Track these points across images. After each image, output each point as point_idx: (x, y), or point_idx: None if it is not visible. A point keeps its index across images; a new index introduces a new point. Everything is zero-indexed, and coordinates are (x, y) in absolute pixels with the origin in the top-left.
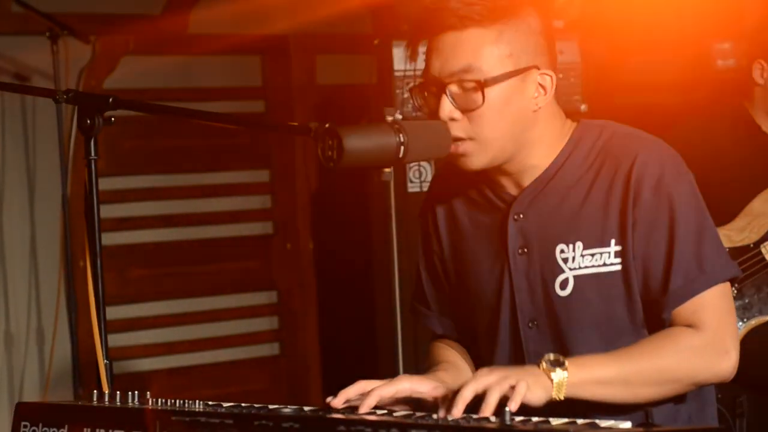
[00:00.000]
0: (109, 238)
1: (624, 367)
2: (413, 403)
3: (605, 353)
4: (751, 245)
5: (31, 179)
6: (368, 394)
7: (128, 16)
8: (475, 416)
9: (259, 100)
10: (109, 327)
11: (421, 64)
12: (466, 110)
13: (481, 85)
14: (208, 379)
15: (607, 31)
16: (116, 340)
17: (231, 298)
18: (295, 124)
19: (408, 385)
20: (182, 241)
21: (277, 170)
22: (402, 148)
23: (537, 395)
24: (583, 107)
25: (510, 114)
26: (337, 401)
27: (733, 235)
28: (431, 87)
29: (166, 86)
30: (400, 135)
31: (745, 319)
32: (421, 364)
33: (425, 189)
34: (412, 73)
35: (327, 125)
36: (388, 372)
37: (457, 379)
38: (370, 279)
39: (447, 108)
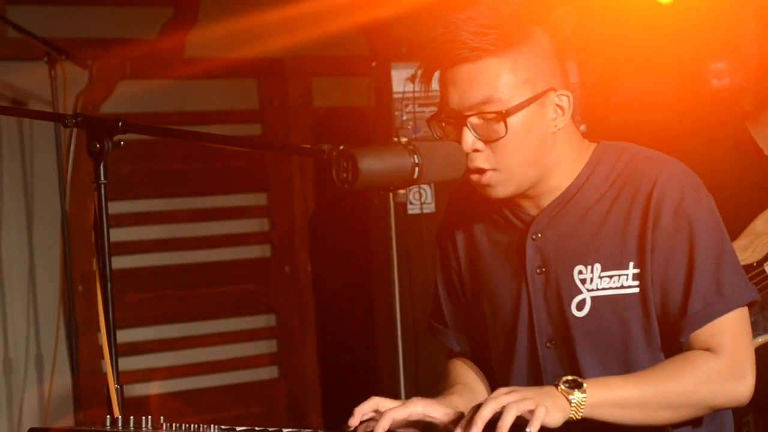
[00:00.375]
0: None
1: (642, 390)
2: (424, 427)
3: (623, 375)
4: (755, 264)
5: (29, 203)
6: (382, 417)
7: (125, 41)
8: None
9: (256, 123)
10: None
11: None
12: (489, 141)
13: (503, 116)
14: (208, 404)
15: (602, 50)
16: None
17: (230, 321)
18: (308, 146)
19: (421, 409)
20: (180, 265)
21: (275, 193)
22: (417, 168)
23: (555, 418)
24: (582, 127)
25: (532, 140)
26: (354, 420)
27: (737, 254)
28: (450, 119)
29: (163, 110)
30: (415, 156)
31: None
32: (423, 385)
33: (425, 211)
34: (410, 95)
35: (341, 147)
36: (389, 393)
37: (471, 403)
38: (369, 301)
39: (469, 140)
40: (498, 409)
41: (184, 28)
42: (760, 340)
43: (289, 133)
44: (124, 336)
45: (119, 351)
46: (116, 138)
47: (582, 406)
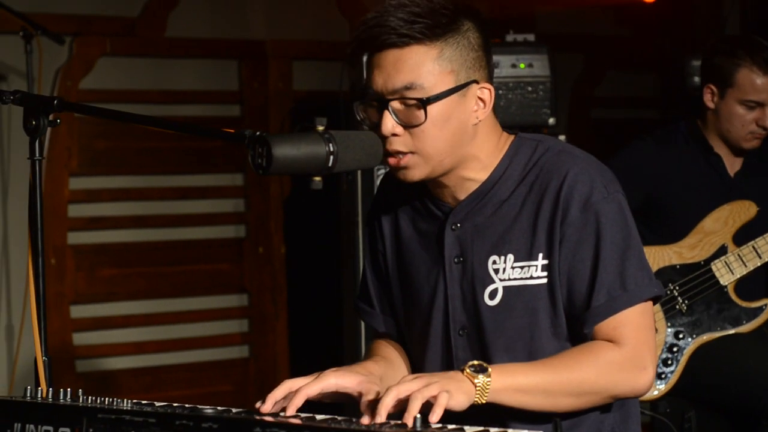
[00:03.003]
0: (81, 237)
1: (545, 377)
2: (340, 397)
3: (528, 362)
4: (702, 263)
5: (5, 176)
6: (295, 394)
7: (106, 18)
8: (393, 422)
9: (235, 105)
10: (78, 325)
11: None
12: (408, 126)
13: (424, 103)
14: (177, 380)
15: (585, 45)
16: (86, 338)
17: (202, 299)
18: (231, 131)
19: (333, 381)
20: (155, 242)
21: (252, 174)
22: (332, 157)
23: (459, 401)
24: (551, 121)
25: (450, 129)
26: (266, 406)
27: (685, 252)
28: (372, 102)
29: (142, 88)
30: (330, 145)
31: (694, 335)
32: None
33: None
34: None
35: (258, 133)
36: None
37: (388, 371)
38: (338, 284)
39: (389, 124)
40: (401, 397)
41: (166, 8)
42: (705, 337)
43: (269, 115)
44: (96, 310)
45: (91, 325)
46: (52, 116)
47: (487, 390)
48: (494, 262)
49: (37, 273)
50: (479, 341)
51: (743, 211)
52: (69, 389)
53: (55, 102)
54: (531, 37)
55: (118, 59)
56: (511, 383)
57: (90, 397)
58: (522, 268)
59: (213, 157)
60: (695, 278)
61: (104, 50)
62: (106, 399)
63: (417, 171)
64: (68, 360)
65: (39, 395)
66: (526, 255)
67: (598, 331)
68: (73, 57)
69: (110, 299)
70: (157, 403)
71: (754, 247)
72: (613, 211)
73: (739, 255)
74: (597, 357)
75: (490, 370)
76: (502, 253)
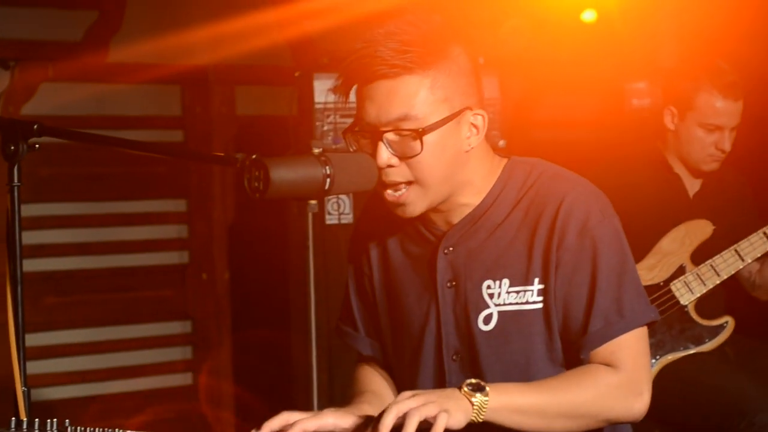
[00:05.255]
0: (25, 265)
1: (542, 398)
2: None
3: (526, 383)
4: (661, 283)
5: None
6: (291, 427)
7: (48, 43)
8: None
9: (178, 130)
10: None
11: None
12: (404, 157)
13: (419, 134)
14: (122, 408)
15: (525, 67)
16: (29, 367)
17: (145, 327)
18: (222, 154)
19: (332, 420)
20: (98, 269)
21: (195, 200)
22: (328, 180)
23: (457, 419)
24: (501, 143)
25: (446, 157)
26: None
27: (643, 273)
28: (366, 133)
29: (85, 114)
30: (327, 167)
31: (658, 356)
32: (336, 395)
33: (343, 221)
34: (332, 105)
35: (254, 156)
36: (302, 403)
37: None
38: (286, 311)
39: (385, 155)
40: (400, 415)
41: (109, 33)
42: (670, 357)
43: (212, 140)
44: (38, 339)
45: (34, 354)
46: (31, 141)
47: (484, 409)
48: (489, 287)
49: (15, 302)
50: (473, 366)
51: (699, 230)
52: (55, 419)
53: (35, 126)
54: (480, 60)
55: (60, 84)
56: (507, 403)
57: (78, 428)
58: (518, 292)
59: (156, 183)
60: (656, 299)
61: (46, 75)
62: (96, 429)
63: (417, 206)
64: (8, 390)
65: (25, 426)
66: (522, 279)
67: (595, 356)
68: (15, 82)
69: (53, 327)
70: None
71: (712, 266)
72: (609, 236)
73: (697, 274)
74: (594, 380)
75: (487, 389)
76: (497, 277)
